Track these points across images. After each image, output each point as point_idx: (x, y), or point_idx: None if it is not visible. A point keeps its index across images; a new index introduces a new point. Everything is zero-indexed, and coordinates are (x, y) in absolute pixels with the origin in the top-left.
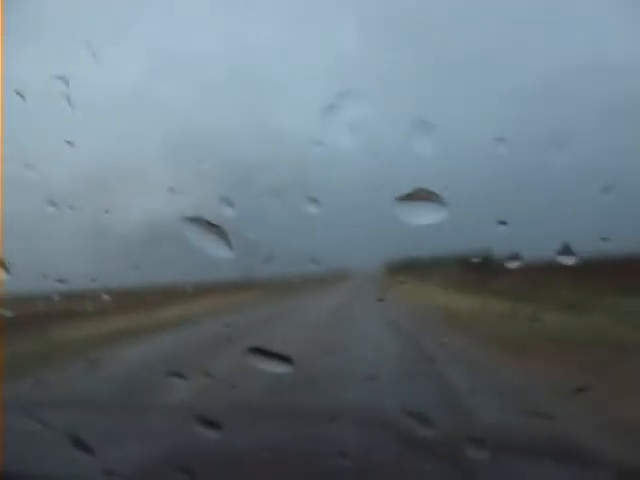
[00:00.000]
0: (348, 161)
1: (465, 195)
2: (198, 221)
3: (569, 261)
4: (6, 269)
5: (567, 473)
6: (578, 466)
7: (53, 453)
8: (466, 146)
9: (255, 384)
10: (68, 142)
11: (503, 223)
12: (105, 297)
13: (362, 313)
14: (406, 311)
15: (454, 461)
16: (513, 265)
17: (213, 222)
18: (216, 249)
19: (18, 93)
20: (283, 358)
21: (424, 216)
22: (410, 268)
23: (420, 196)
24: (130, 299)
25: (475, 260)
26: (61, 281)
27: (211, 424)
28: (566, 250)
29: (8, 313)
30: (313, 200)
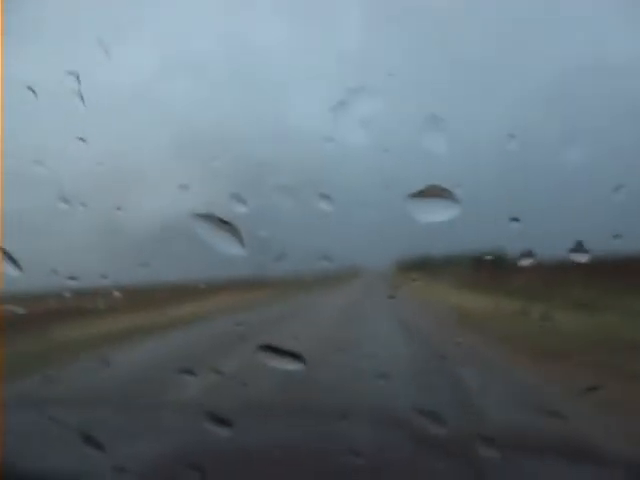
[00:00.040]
0: (359, 158)
1: (477, 192)
2: (210, 218)
3: (582, 259)
4: (17, 266)
5: (579, 472)
6: (590, 465)
7: (64, 450)
8: (478, 143)
9: (266, 382)
10: (80, 139)
11: (516, 220)
12: (116, 294)
13: (374, 311)
14: (418, 309)
15: (466, 460)
16: (526, 263)
17: (225, 219)
18: (228, 247)
19: (30, 89)
20: (294, 356)
21: (436, 213)
22: (422, 266)
23: (432, 193)
24: (141, 296)
25: (487, 258)
26: (72, 278)
27: (222, 421)
28: (579, 248)
29: (20, 310)
30: (325, 197)
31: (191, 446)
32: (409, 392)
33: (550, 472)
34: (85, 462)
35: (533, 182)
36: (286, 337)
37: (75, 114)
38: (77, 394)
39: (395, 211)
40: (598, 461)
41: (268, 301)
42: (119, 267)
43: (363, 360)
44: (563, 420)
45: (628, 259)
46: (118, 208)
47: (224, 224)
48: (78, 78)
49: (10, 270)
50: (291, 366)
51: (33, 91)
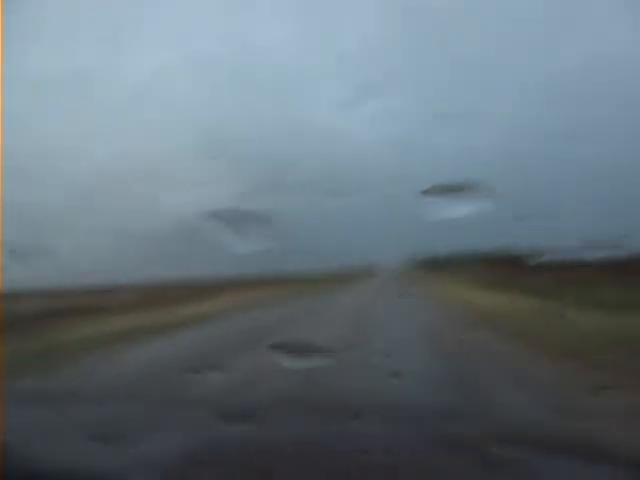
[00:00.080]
0: (371, 155)
1: (491, 189)
2: (224, 216)
3: (597, 257)
4: (28, 264)
5: (593, 472)
6: (604, 465)
7: (75, 445)
8: (489, 139)
9: (280, 379)
10: (92, 138)
11: (530, 218)
12: (129, 292)
13: (387, 309)
14: (432, 307)
15: (480, 458)
16: (540, 261)
17: (239, 217)
18: (242, 244)
19: (40, 88)
20: (308, 354)
21: (449, 210)
22: (436, 263)
23: (445, 190)
24: (154, 294)
25: (501, 256)
26: (84, 276)
27: (235, 419)
28: (594, 246)
29: (30, 307)
30: (336, 194)
31: (204, 443)
32: (423, 390)
33: (564, 471)
34: (96, 458)
35: (547, 179)
36: (299, 336)
37: (86, 112)
38: (88, 391)
39: (408, 208)
40: (613, 460)
41: (281, 299)
42: (131, 265)
43: (377, 358)
44: (578, 419)
45: None
46: (130, 205)
47: (238, 222)
48: (89, 77)
49: (21, 268)
50: (305, 364)
51: (44, 90)
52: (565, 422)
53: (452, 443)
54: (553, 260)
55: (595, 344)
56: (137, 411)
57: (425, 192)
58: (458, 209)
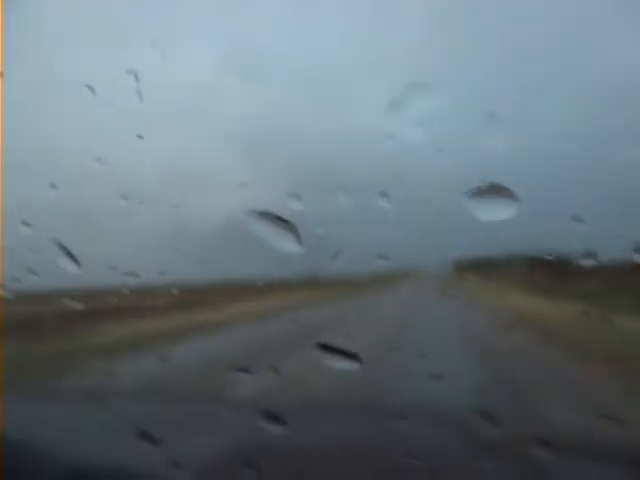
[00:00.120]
0: (417, 156)
1: (537, 190)
2: (267, 216)
3: None
4: (76, 262)
5: (634, 478)
6: None
7: (120, 443)
8: (537, 140)
9: (323, 380)
10: (139, 137)
11: (577, 220)
12: (174, 292)
13: (429, 311)
14: (474, 310)
15: (522, 461)
16: (587, 264)
17: (282, 217)
18: (285, 245)
19: (89, 87)
20: (350, 355)
21: (495, 212)
22: (479, 266)
23: (491, 191)
24: (199, 294)
25: (547, 258)
26: (131, 275)
27: (278, 420)
28: None
29: (79, 306)
30: (382, 195)
31: (247, 444)
32: (465, 393)
33: (604, 476)
34: (140, 456)
35: (595, 179)
36: (342, 336)
37: (134, 112)
38: (134, 389)
39: (453, 210)
40: None
41: (324, 300)
42: (177, 264)
43: (418, 360)
44: (620, 424)
45: None
46: (176, 205)
47: (282, 222)
48: (137, 76)
49: (69, 266)
50: (347, 365)
51: (92, 90)
52: (609, 427)
53: (494, 446)
54: (600, 264)
55: None
56: (182, 410)
57: (473, 193)
58: (504, 211)
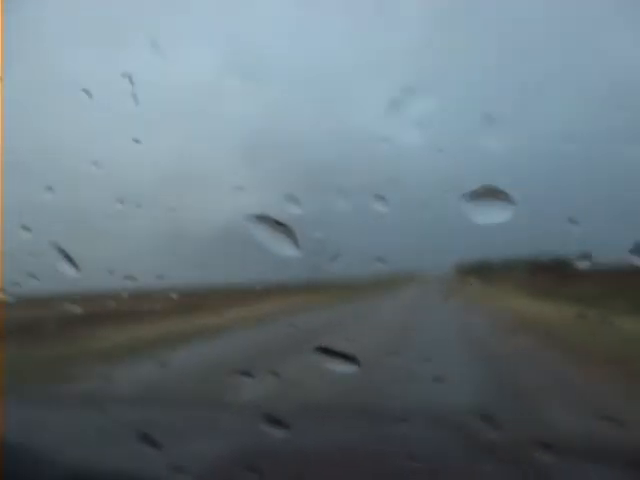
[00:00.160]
0: (414, 158)
1: (535, 192)
2: (265, 220)
3: None
4: (74, 266)
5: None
6: None
7: (121, 447)
8: (537, 140)
9: (323, 384)
10: (136, 140)
11: (574, 222)
12: (173, 296)
13: (429, 315)
14: (474, 313)
15: (523, 464)
16: (584, 266)
17: (280, 221)
18: (283, 248)
19: (85, 91)
20: (350, 358)
21: (492, 215)
22: (479, 269)
23: (488, 194)
24: (198, 298)
25: (545, 261)
26: (129, 279)
27: (279, 423)
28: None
29: (77, 310)
30: (380, 198)
31: (248, 448)
32: (466, 396)
33: (605, 479)
34: (141, 460)
35: (592, 181)
36: (342, 340)
37: (130, 115)
38: (134, 394)
39: (451, 213)
40: None
41: (323, 303)
42: (175, 268)
43: (419, 363)
44: (620, 425)
45: None
46: (174, 209)
47: (279, 226)
48: (132, 79)
49: (67, 270)
50: (347, 368)
51: (88, 93)
52: (609, 429)
53: (494, 448)
54: (600, 266)
55: None
56: (182, 415)
57: (470, 196)
58: (500, 214)
